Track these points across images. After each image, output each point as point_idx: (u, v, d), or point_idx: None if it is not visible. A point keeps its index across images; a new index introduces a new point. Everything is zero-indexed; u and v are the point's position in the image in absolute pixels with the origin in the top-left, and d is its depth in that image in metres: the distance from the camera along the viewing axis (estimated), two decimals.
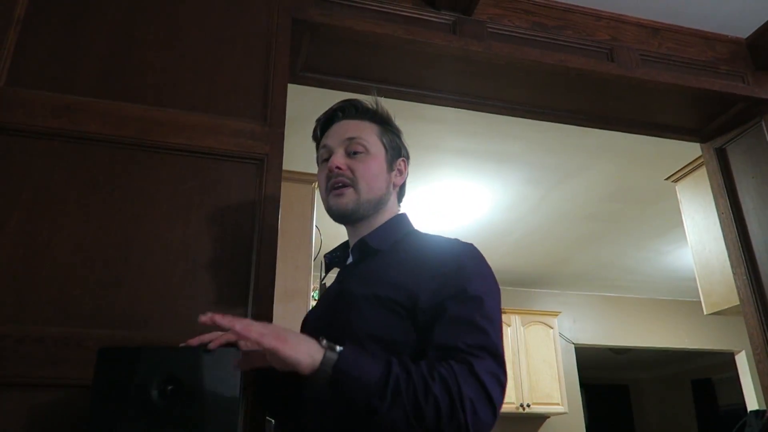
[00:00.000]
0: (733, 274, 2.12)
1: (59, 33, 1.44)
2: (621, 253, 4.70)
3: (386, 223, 1.11)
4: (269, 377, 1.11)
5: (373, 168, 1.09)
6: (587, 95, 2.07)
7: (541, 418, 5.08)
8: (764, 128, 2.08)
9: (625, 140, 2.82)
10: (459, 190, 3.61)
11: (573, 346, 5.45)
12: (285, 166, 1.47)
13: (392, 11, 1.79)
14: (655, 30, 2.08)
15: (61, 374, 1.16)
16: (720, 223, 2.20)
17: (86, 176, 1.32)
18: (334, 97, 1.35)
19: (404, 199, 1.21)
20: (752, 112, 2.12)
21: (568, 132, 2.76)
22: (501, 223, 4.09)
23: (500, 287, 0.99)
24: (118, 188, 1.33)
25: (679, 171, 2.88)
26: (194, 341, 0.99)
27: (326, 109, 1.19)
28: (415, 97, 2.02)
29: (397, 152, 1.16)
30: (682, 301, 5.78)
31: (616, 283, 5.44)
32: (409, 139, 1.21)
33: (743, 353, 5.38)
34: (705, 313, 2.69)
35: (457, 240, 1.03)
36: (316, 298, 2.70)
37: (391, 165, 1.13)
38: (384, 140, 1.13)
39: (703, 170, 2.49)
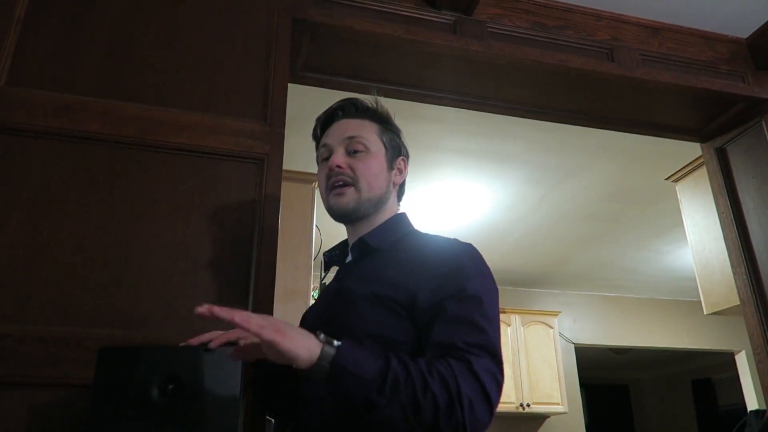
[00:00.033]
0: (733, 273, 2.12)
1: (59, 33, 1.44)
2: (621, 252, 4.70)
3: (386, 222, 1.11)
4: (268, 375, 1.11)
5: (373, 167, 1.09)
6: (587, 95, 2.08)
7: (541, 418, 5.09)
8: (764, 128, 2.08)
9: (625, 140, 2.82)
10: (459, 189, 3.61)
11: (573, 345, 5.45)
12: (285, 166, 1.48)
13: (392, 11, 1.79)
14: (656, 30, 2.08)
15: (61, 374, 1.16)
16: (720, 222, 2.20)
17: (86, 176, 1.33)
18: (335, 96, 1.35)
19: (404, 199, 1.21)
20: (752, 111, 2.12)
21: (569, 132, 2.76)
22: (501, 223, 4.09)
23: (500, 287, 1.00)
24: (118, 188, 1.33)
25: (679, 171, 2.88)
26: (194, 341, 0.99)
27: (326, 108, 1.19)
28: (416, 97, 2.02)
29: (397, 151, 1.16)
30: (682, 300, 5.78)
31: (616, 283, 5.44)
32: (409, 139, 1.21)
33: (743, 353, 5.38)
34: (705, 313, 2.69)
35: (456, 240, 1.03)
36: (316, 297, 2.70)
37: (391, 164, 1.14)
38: (384, 139, 1.13)
39: (703, 170, 2.49)
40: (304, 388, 1.01)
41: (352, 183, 1.07)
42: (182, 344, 0.99)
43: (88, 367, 0.99)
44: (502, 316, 5.03)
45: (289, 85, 1.57)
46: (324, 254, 1.18)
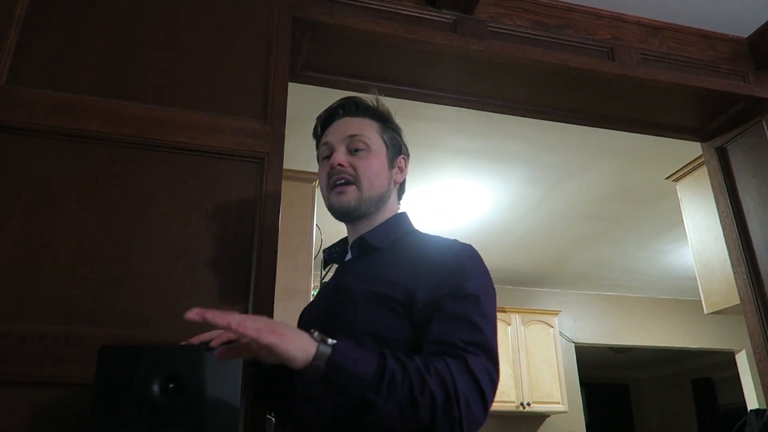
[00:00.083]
0: (734, 273, 2.12)
1: (60, 32, 1.44)
2: (621, 252, 4.70)
3: (386, 221, 1.11)
4: (267, 373, 1.11)
5: (374, 165, 1.09)
6: (588, 94, 2.07)
7: (541, 417, 5.09)
8: (765, 127, 2.08)
9: (625, 139, 2.82)
10: (459, 189, 3.61)
11: (573, 345, 5.45)
12: (285, 165, 1.48)
13: (393, 10, 1.79)
14: (656, 29, 2.08)
15: (62, 373, 1.16)
16: (720, 222, 2.20)
17: (86, 175, 1.33)
18: (335, 95, 1.34)
19: (404, 198, 1.21)
20: (753, 111, 2.12)
21: (569, 131, 2.76)
22: (501, 223, 4.09)
23: (501, 286, 1.00)
24: (119, 187, 1.33)
25: (679, 170, 2.88)
26: (195, 340, 0.99)
27: (327, 107, 1.19)
28: (416, 96, 2.02)
29: (397, 150, 1.16)
30: (682, 300, 5.78)
31: (617, 282, 5.44)
32: (409, 138, 1.21)
33: (743, 352, 5.38)
34: (705, 312, 2.69)
35: (456, 240, 1.03)
36: (315, 295, 2.69)
37: (392, 162, 1.14)
38: (385, 137, 1.13)
39: (703, 169, 2.49)
40: (300, 386, 1.01)
41: (354, 181, 1.08)
42: (183, 343, 0.99)
43: (88, 366, 1.00)
44: (502, 316, 5.06)
45: (290, 84, 1.57)
46: (324, 251, 1.18)
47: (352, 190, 1.07)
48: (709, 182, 2.29)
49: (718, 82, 2.06)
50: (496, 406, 4.52)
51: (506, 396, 4.63)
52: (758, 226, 2.05)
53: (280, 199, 1.41)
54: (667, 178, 3.03)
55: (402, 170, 1.16)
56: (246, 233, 1.36)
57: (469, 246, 1.02)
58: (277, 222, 1.39)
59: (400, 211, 1.17)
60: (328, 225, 1.39)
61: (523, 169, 3.39)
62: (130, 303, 1.25)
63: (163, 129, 1.40)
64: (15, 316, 1.18)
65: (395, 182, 1.15)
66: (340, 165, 1.07)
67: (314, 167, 1.21)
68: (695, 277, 2.74)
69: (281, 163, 1.45)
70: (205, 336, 0.99)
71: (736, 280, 2.10)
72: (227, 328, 0.75)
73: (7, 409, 1.12)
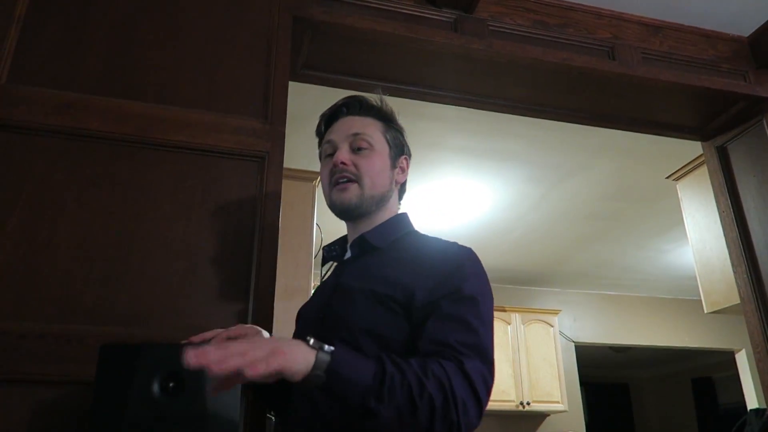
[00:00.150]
0: (734, 272, 2.12)
1: (60, 31, 1.44)
2: (622, 251, 4.70)
3: (387, 221, 1.11)
4: None
5: (377, 164, 1.10)
6: (588, 93, 2.07)
7: (541, 416, 5.09)
8: (765, 127, 2.08)
9: (626, 139, 2.82)
10: (459, 188, 3.61)
11: (573, 344, 5.45)
12: (286, 164, 1.48)
13: (393, 9, 1.79)
14: (657, 28, 2.08)
15: (62, 371, 1.16)
16: (721, 221, 2.20)
17: (87, 173, 1.33)
18: (335, 95, 1.35)
19: (405, 198, 1.21)
20: (753, 110, 2.12)
21: (569, 130, 2.76)
22: (502, 222, 4.10)
23: (501, 285, 1.01)
24: (119, 185, 1.33)
25: (680, 170, 2.88)
26: (196, 338, 0.99)
27: (327, 107, 1.19)
28: (416, 95, 2.02)
29: (400, 150, 1.16)
30: (682, 299, 5.78)
31: (617, 281, 5.44)
32: (409, 137, 1.21)
33: (743, 352, 5.38)
34: (705, 311, 2.69)
35: (455, 243, 1.04)
36: (313, 293, 2.70)
37: (394, 162, 1.14)
38: (388, 137, 1.14)
39: (704, 169, 2.49)
40: (297, 386, 1.01)
41: (356, 180, 1.08)
42: (184, 342, 0.99)
43: (89, 364, 1.00)
44: (502, 315, 5.06)
45: (290, 83, 1.57)
46: (323, 248, 1.18)
47: (354, 187, 1.08)
48: (709, 181, 2.29)
49: (718, 81, 2.06)
50: (495, 405, 4.54)
51: (506, 395, 4.64)
52: (758, 225, 2.05)
53: (280, 198, 1.42)
54: (667, 178, 3.03)
55: (404, 170, 1.17)
56: (246, 232, 1.36)
57: (469, 249, 1.03)
58: (277, 221, 1.39)
59: (400, 211, 1.17)
60: (329, 224, 1.39)
61: (523, 169, 3.39)
62: (130, 301, 1.25)
63: (164, 128, 1.40)
64: (15, 315, 1.19)
65: (397, 182, 1.15)
66: (343, 163, 1.07)
67: (315, 166, 1.21)
68: (695, 277, 2.74)
69: (281, 162, 1.45)
70: (206, 335, 0.99)
71: (736, 279, 2.10)
72: (235, 371, 0.69)
73: (8, 407, 1.12)
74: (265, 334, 1.05)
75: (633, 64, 1.98)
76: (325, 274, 1.19)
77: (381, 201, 1.10)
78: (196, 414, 0.88)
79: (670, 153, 2.98)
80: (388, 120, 1.16)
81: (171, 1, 1.55)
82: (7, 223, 1.24)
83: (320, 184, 1.19)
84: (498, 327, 4.65)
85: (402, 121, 1.20)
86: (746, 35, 2.18)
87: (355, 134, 1.10)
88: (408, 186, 1.21)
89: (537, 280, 5.41)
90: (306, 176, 2.68)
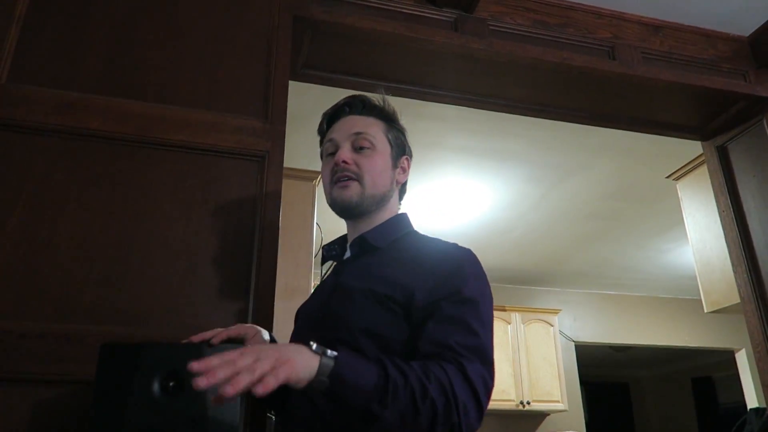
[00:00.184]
0: (734, 272, 2.12)
1: (61, 30, 1.44)
2: (622, 251, 4.70)
3: (387, 221, 1.12)
4: None
5: (378, 164, 1.10)
6: (588, 93, 2.07)
7: (541, 416, 5.09)
8: (765, 126, 2.08)
9: (626, 138, 2.81)
10: (460, 188, 3.61)
11: (573, 343, 5.45)
12: (286, 164, 1.48)
13: (393, 8, 1.79)
14: (657, 28, 2.08)
15: (62, 370, 1.16)
16: (721, 221, 2.20)
17: (87, 173, 1.33)
18: (335, 94, 1.35)
19: (405, 197, 1.21)
20: (753, 110, 2.12)
21: (569, 130, 2.76)
22: (502, 221, 4.10)
23: (501, 285, 1.01)
24: (119, 185, 1.33)
25: (680, 169, 2.88)
26: (196, 338, 0.99)
27: (327, 106, 1.19)
28: (416, 95, 2.02)
29: (401, 150, 1.16)
30: (682, 299, 5.78)
31: (617, 281, 5.44)
32: (409, 137, 1.21)
33: (743, 351, 5.38)
34: (705, 311, 2.69)
35: (455, 244, 1.04)
36: (312, 292, 2.70)
37: (395, 162, 1.14)
38: (390, 137, 1.14)
39: (704, 168, 2.49)
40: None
41: (357, 178, 1.08)
42: (184, 341, 0.99)
43: (89, 363, 1.00)
44: (502, 314, 5.06)
45: (290, 82, 1.57)
46: (323, 247, 1.18)
47: (355, 185, 1.08)
48: (709, 181, 2.29)
49: (718, 81, 2.06)
50: (495, 404, 4.54)
51: (506, 394, 4.64)
52: (758, 225, 2.05)
53: (280, 197, 1.42)
54: (667, 177, 3.03)
55: (405, 171, 1.17)
56: (246, 231, 1.36)
57: (469, 250, 1.03)
58: (277, 220, 1.39)
59: (400, 211, 1.17)
60: (329, 223, 1.39)
61: (523, 168, 3.39)
62: (130, 301, 1.25)
63: (164, 127, 1.40)
64: (16, 314, 1.19)
65: (397, 182, 1.15)
66: (345, 162, 1.08)
67: (315, 166, 1.21)
68: (695, 276, 2.74)
69: (282, 161, 1.45)
70: (206, 334, 0.99)
71: (736, 279, 2.10)
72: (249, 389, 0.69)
73: (8, 406, 1.12)
74: (265, 333, 1.06)
75: (633, 63, 1.98)
76: (324, 274, 1.19)
77: (381, 200, 1.11)
78: (197, 413, 0.88)
79: (670, 153, 2.98)
80: (390, 120, 1.16)
81: (171, 1, 1.55)
82: (7, 223, 1.24)
83: (320, 184, 1.19)
84: (498, 326, 4.65)
85: (402, 120, 1.20)
86: (746, 35, 2.18)
87: (358, 133, 1.10)
88: (408, 186, 1.21)
89: (537, 280, 5.41)
90: (306, 176, 2.68)
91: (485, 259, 1.04)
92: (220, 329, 1.00)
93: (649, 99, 2.10)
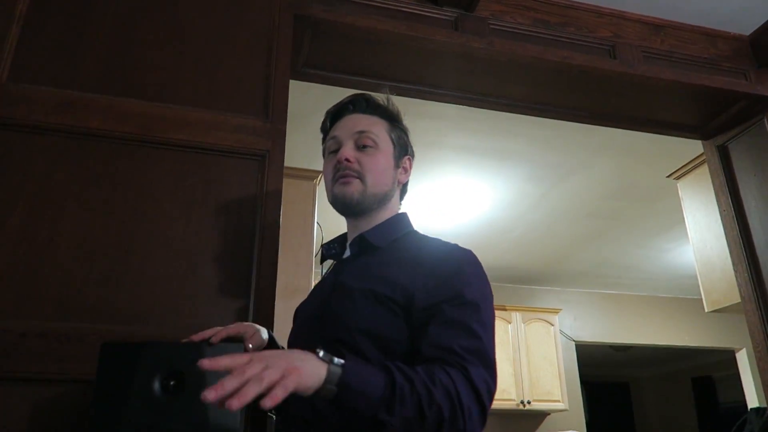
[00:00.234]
0: (735, 271, 2.12)
1: (61, 29, 1.44)
2: (622, 250, 4.70)
3: (387, 221, 1.11)
4: None
5: (381, 163, 1.10)
6: (589, 92, 2.07)
7: (541, 415, 5.09)
8: (766, 126, 2.08)
9: (626, 137, 2.81)
10: (460, 187, 3.61)
11: (573, 343, 5.45)
12: (286, 163, 1.48)
13: (394, 7, 1.79)
14: (658, 27, 2.08)
15: (63, 369, 1.16)
16: (721, 220, 2.20)
17: (87, 172, 1.33)
18: (336, 93, 1.35)
19: (405, 196, 1.21)
20: (754, 109, 2.12)
21: (570, 129, 2.76)
22: (502, 221, 4.09)
23: (501, 284, 1.01)
24: (119, 184, 1.33)
25: (680, 168, 2.88)
26: (196, 337, 0.99)
27: (327, 105, 1.19)
28: (417, 94, 2.02)
29: (404, 150, 1.16)
30: (683, 298, 5.78)
31: (617, 280, 5.44)
32: (410, 136, 1.21)
33: (744, 351, 5.38)
34: (706, 310, 2.69)
35: (456, 244, 1.04)
36: (311, 291, 2.70)
37: (397, 162, 1.14)
38: (393, 136, 1.14)
39: (704, 168, 2.49)
40: None
41: (359, 177, 1.08)
42: (184, 340, 0.99)
43: (89, 362, 1.00)
44: (503, 314, 5.06)
45: (291, 81, 1.57)
46: (322, 246, 1.18)
47: (356, 183, 1.08)
48: (710, 180, 2.29)
49: (719, 80, 2.05)
50: (496, 404, 4.51)
51: (507, 394, 4.64)
52: (759, 224, 2.05)
53: (281, 196, 1.42)
54: (668, 177, 3.03)
55: (406, 171, 1.17)
56: (247, 231, 1.36)
57: (469, 251, 1.03)
58: (278, 220, 1.39)
59: (400, 211, 1.17)
60: (329, 222, 1.39)
61: (523, 167, 3.39)
62: (131, 300, 1.25)
63: (164, 126, 1.40)
64: (16, 314, 1.19)
65: (399, 182, 1.15)
66: (347, 160, 1.08)
67: (315, 165, 1.21)
68: (696, 276, 2.74)
69: (282, 160, 1.45)
70: (206, 333, 0.99)
71: (736, 278, 2.10)
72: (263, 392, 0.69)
73: (8, 405, 1.12)
74: (264, 332, 1.05)
75: (634, 62, 1.97)
76: (326, 274, 1.18)
77: (383, 199, 1.11)
78: (197, 412, 0.88)
79: (670, 152, 2.98)
80: (393, 119, 1.16)
81: (171, 1, 1.54)
82: (7, 223, 1.24)
83: (321, 183, 1.19)
84: (499, 326, 4.65)
85: (404, 120, 1.20)
86: (747, 34, 2.18)
87: (361, 132, 1.10)
88: (408, 185, 1.21)
89: (537, 279, 5.41)
90: (307, 175, 2.68)
91: (485, 259, 1.04)
92: (219, 328, 1.00)
93: (649, 98, 2.10)
